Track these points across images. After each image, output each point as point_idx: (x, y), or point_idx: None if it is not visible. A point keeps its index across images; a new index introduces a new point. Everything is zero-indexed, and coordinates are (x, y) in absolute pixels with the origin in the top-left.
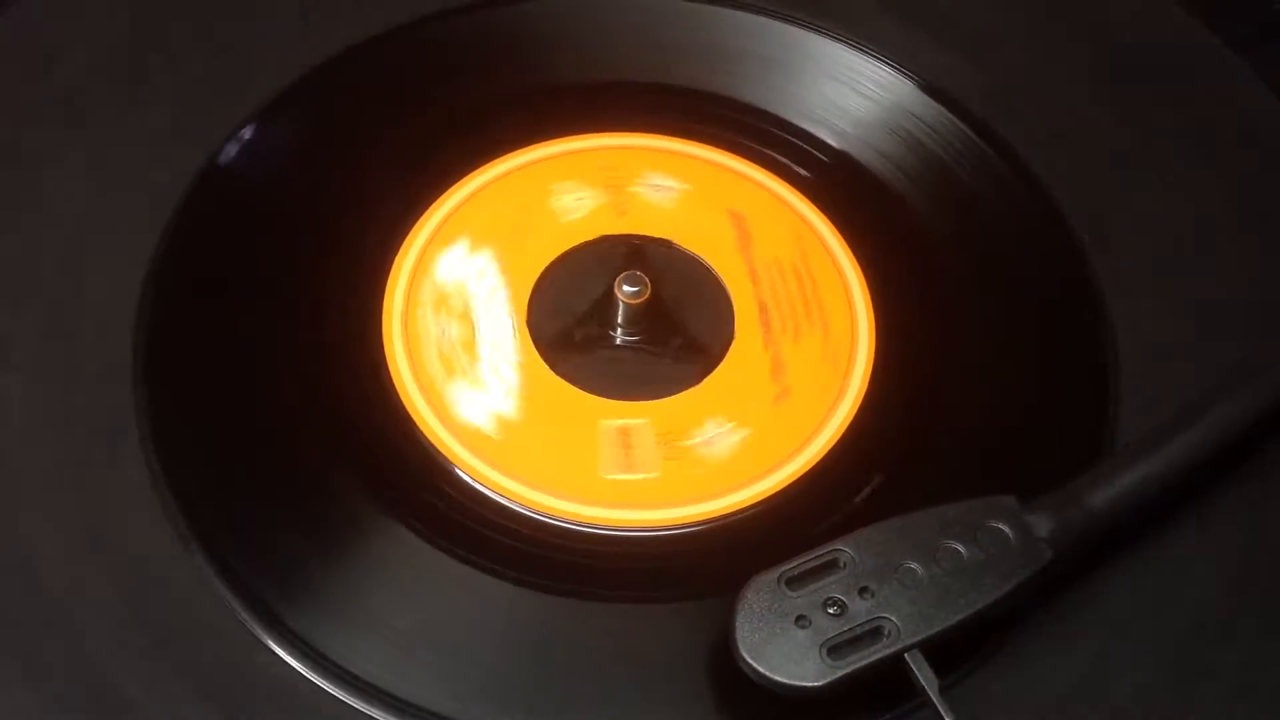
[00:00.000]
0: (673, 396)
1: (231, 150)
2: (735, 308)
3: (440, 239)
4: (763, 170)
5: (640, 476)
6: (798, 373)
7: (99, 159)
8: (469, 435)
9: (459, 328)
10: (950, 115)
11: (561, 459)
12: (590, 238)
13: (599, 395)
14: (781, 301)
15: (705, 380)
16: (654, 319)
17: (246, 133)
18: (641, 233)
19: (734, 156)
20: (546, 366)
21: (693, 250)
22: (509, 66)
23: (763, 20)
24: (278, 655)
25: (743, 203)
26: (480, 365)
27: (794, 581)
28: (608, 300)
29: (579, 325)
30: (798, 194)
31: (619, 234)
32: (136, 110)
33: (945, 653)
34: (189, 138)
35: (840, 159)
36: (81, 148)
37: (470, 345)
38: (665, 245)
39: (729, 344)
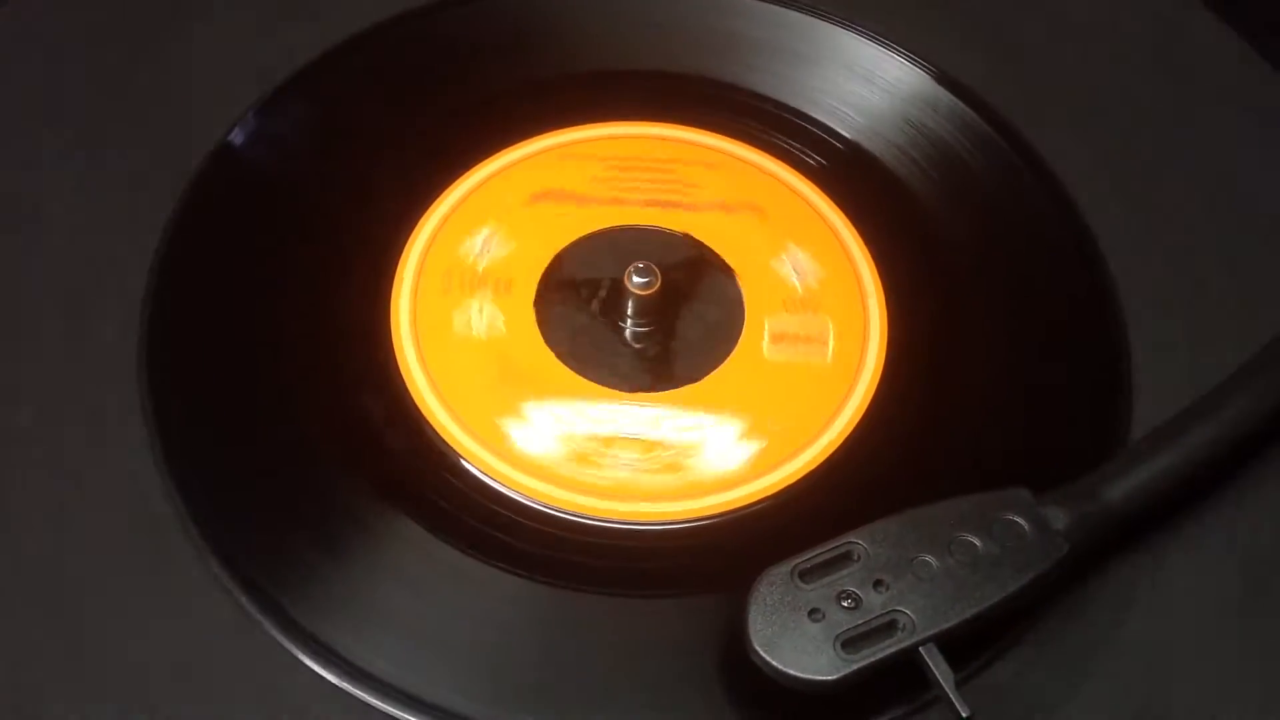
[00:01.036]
0: (620, 393)
1: (238, 139)
2: (745, 309)
3: (450, 227)
4: (775, 160)
5: (541, 444)
6: (792, 382)
7: (104, 148)
8: (478, 427)
9: (487, 245)
10: (963, 106)
11: (484, 396)
12: (608, 226)
13: (564, 363)
14: (792, 312)
15: (684, 387)
16: (655, 315)
17: (252, 121)
18: (660, 225)
19: (746, 146)
20: (534, 320)
21: (717, 249)
22: (518, 55)
23: (776, 9)
24: (285, 649)
25: (759, 195)
26: (479, 284)
27: (807, 574)
28: (615, 298)
29: (584, 301)
30: (810, 184)
31: (648, 225)
32: (143, 98)
33: (961, 646)
34: (196, 126)
35: (853, 149)
36: (86, 137)
37: (484, 262)
38: (690, 241)
39: (730, 348)
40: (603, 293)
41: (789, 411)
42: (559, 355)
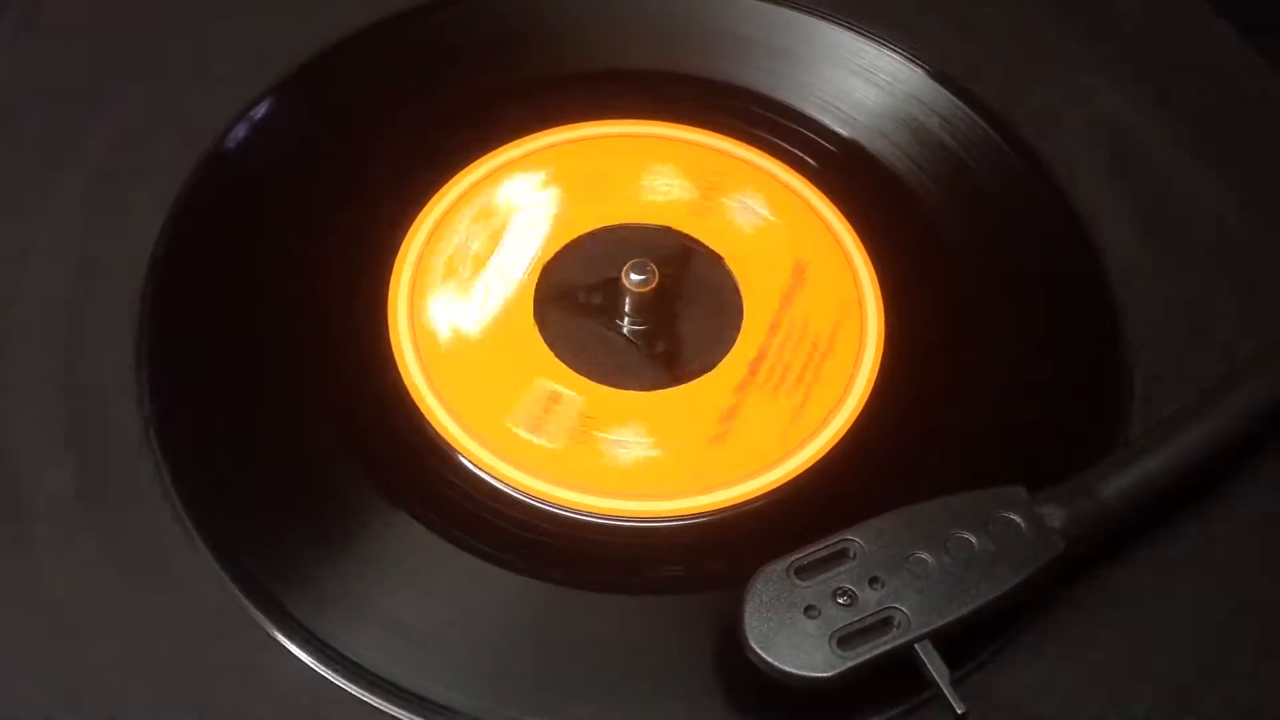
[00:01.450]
0: (620, 390)
1: (235, 138)
2: (736, 344)
3: (447, 223)
4: (772, 159)
5: (537, 440)
6: (746, 427)
7: (100, 149)
8: (476, 424)
9: (485, 244)
10: (960, 104)
11: (481, 391)
12: (654, 223)
13: (558, 357)
14: (778, 362)
15: (660, 391)
16: (652, 314)
17: (249, 120)
18: (703, 241)
19: (743, 145)
20: (531, 311)
21: (737, 278)
22: (516, 54)
23: (772, 8)
24: (282, 645)
25: (814, 255)
26: (478, 280)
27: (803, 571)
28: (612, 295)
29: (586, 291)
30: (807, 182)
31: (682, 231)
32: (139, 99)
33: (956, 644)
34: (193, 125)
35: (850, 148)
36: (83, 137)
37: (482, 261)
38: (717, 262)
39: (704, 372)
40: (600, 290)
41: (690, 457)
42: (556, 352)
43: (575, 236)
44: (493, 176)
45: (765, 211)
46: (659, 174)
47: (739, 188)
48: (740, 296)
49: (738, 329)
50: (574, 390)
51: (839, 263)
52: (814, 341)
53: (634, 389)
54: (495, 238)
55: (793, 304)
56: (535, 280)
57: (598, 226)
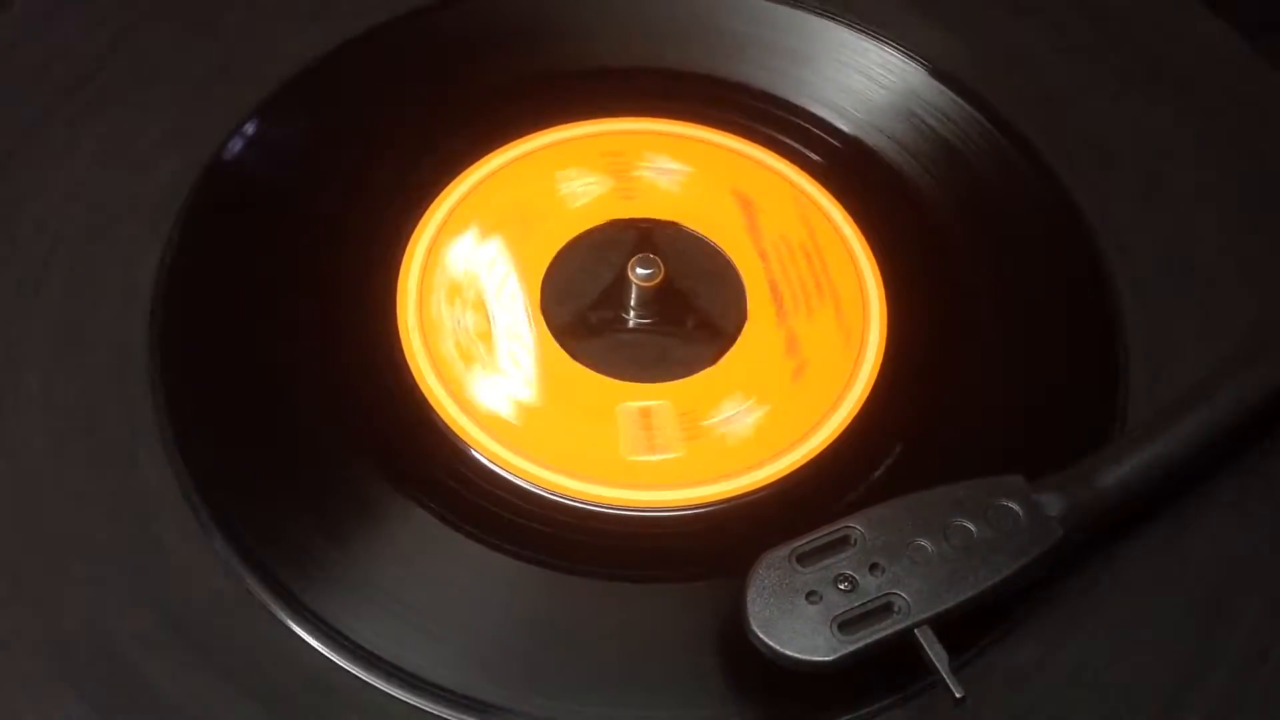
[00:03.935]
0: (690, 377)
1: (239, 141)
2: (747, 287)
3: (451, 226)
4: (775, 155)
5: (662, 457)
6: (813, 347)
7: (105, 155)
8: (484, 417)
9: (474, 317)
10: (961, 101)
11: (583, 443)
12: (599, 222)
13: (617, 378)
14: (792, 279)
15: (722, 359)
16: (667, 301)
17: (253, 125)
18: (650, 216)
19: (746, 141)
20: (563, 352)
21: (701, 232)
22: (516, 52)
23: (774, 6)
24: (296, 634)
25: (752, 186)
26: (498, 354)
27: (805, 558)
28: (620, 283)
29: (593, 309)
30: (809, 179)
31: (627, 218)
32: (142, 104)
33: (956, 630)
34: (197, 129)
35: (852, 144)
36: (88, 144)
37: (486, 335)
38: (673, 227)
39: (743, 323)
40: (606, 286)
41: (795, 395)
42: (563, 345)
43: (577, 234)
44: (496, 174)
45: (678, 165)
46: (571, 178)
47: (644, 155)
48: (717, 247)
49: (739, 275)
50: (656, 398)
51: (841, 258)
52: (803, 250)
53: (698, 370)
54: (480, 308)
55: (761, 229)
56: (543, 325)
57: (600, 222)
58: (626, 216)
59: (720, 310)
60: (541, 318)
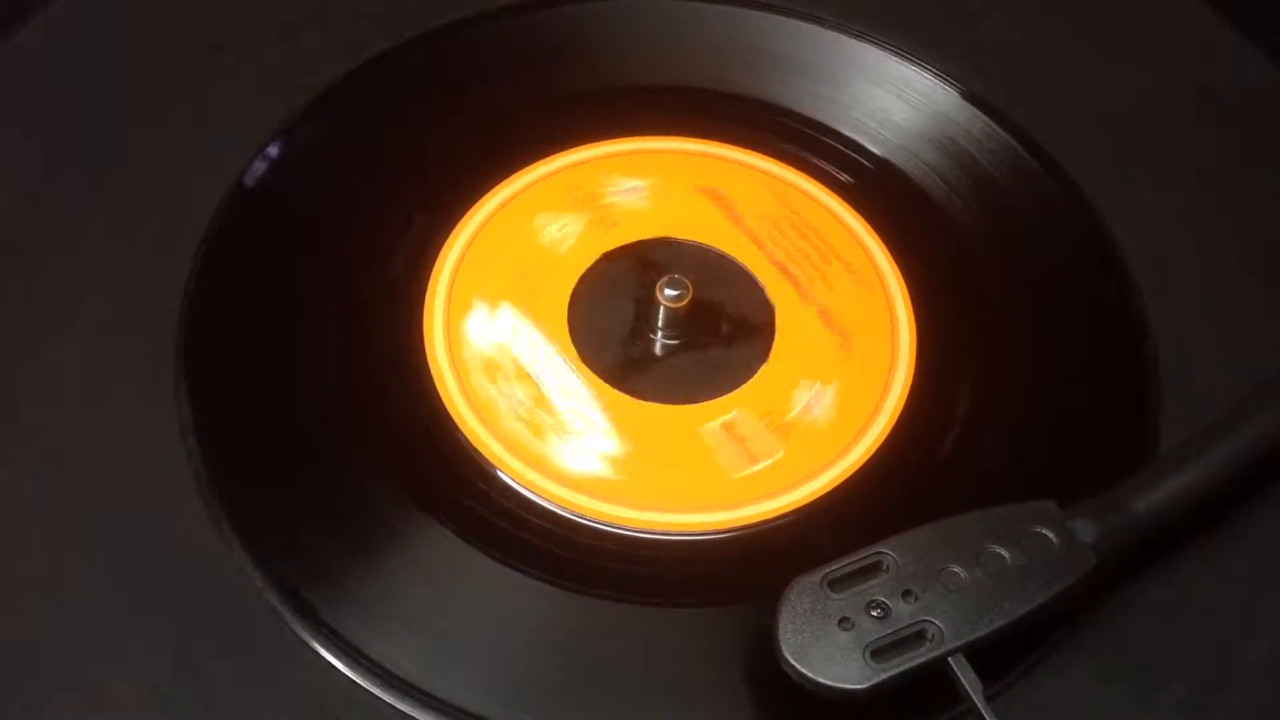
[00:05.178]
0: (752, 379)
1: (265, 160)
2: (758, 277)
3: (456, 306)
4: (805, 176)
5: (766, 464)
6: (847, 316)
7: (135, 169)
8: (507, 436)
9: (523, 389)
10: (992, 124)
11: (685, 477)
12: (593, 260)
13: (686, 403)
14: (795, 255)
15: (772, 353)
16: (695, 315)
17: (278, 144)
18: (637, 239)
19: (776, 162)
20: (623, 394)
21: (693, 239)
22: (544, 71)
23: (807, 26)
24: (316, 652)
25: (716, 179)
26: (564, 417)
27: (837, 584)
28: (647, 310)
29: (631, 343)
30: (840, 200)
31: (617, 247)
32: (171, 121)
33: (989, 658)
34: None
35: (883, 166)
36: (113, 166)
37: (543, 401)
38: (664, 244)
39: (772, 312)
40: (633, 305)
41: (853, 367)
42: (590, 364)
43: (603, 254)
44: (523, 194)
45: (639, 181)
46: (548, 223)
47: (604, 180)
48: (714, 248)
49: (745, 267)
50: (731, 409)
51: (871, 281)
52: (790, 224)
53: (758, 368)
54: (525, 377)
55: (741, 216)
56: (591, 374)
57: (629, 242)
58: (616, 246)
59: (746, 307)
60: (586, 367)
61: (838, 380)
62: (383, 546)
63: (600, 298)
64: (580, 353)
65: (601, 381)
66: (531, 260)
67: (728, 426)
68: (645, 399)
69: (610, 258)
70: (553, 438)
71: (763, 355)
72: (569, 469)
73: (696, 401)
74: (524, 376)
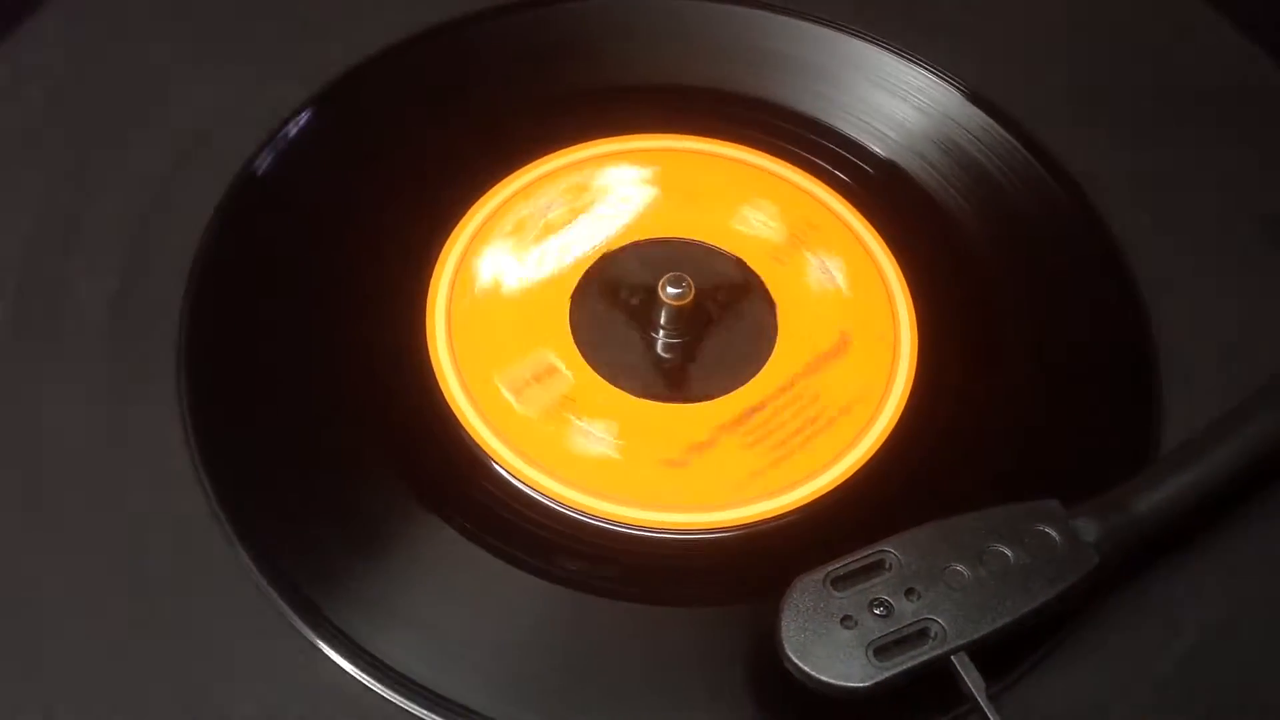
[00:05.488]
0: (754, 377)
1: (271, 153)
2: (760, 275)
3: (483, 236)
4: (809, 176)
5: (768, 461)
6: (848, 315)
7: (139, 165)
8: (511, 432)
9: (527, 387)
10: (996, 125)
11: (687, 476)
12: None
13: (687, 401)
14: (793, 255)
15: (774, 352)
16: (696, 315)
17: (284, 135)
18: (605, 250)
19: (778, 161)
20: (627, 393)
21: (665, 235)
22: (547, 69)
23: (811, 27)
24: (318, 649)
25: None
26: (567, 414)
27: (840, 582)
28: (649, 309)
29: (634, 342)
30: (843, 201)
31: (617, 246)
32: (173, 118)
33: (992, 657)
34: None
35: (886, 167)
36: (124, 152)
37: (546, 399)
38: (634, 247)
39: (775, 310)
40: (635, 303)
41: (822, 422)
42: (591, 364)
43: (605, 252)
44: (525, 190)
45: (640, 183)
46: (758, 207)
47: (824, 246)
48: (721, 249)
49: (752, 374)
50: (733, 407)
51: (873, 280)
52: (816, 415)
53: (761, 366)
54: (531, 249)
55: (817, 373)
56: (591, 372)
57: (631, 241)
58: (617, 245)
59: (748, 306)
60: (588, 365)
61: (841, 378)
62: (384, 544)
63: (602, 296)
64: (582, 351)
65: (603, 380)
66: (533, 259)
67: (730, 424)
68: (647, 397)
69: (612, 256)
70: (555, 435)
71: (765, 352)
72: (571, 467)
73: (699, 399)
74: (527, 375)
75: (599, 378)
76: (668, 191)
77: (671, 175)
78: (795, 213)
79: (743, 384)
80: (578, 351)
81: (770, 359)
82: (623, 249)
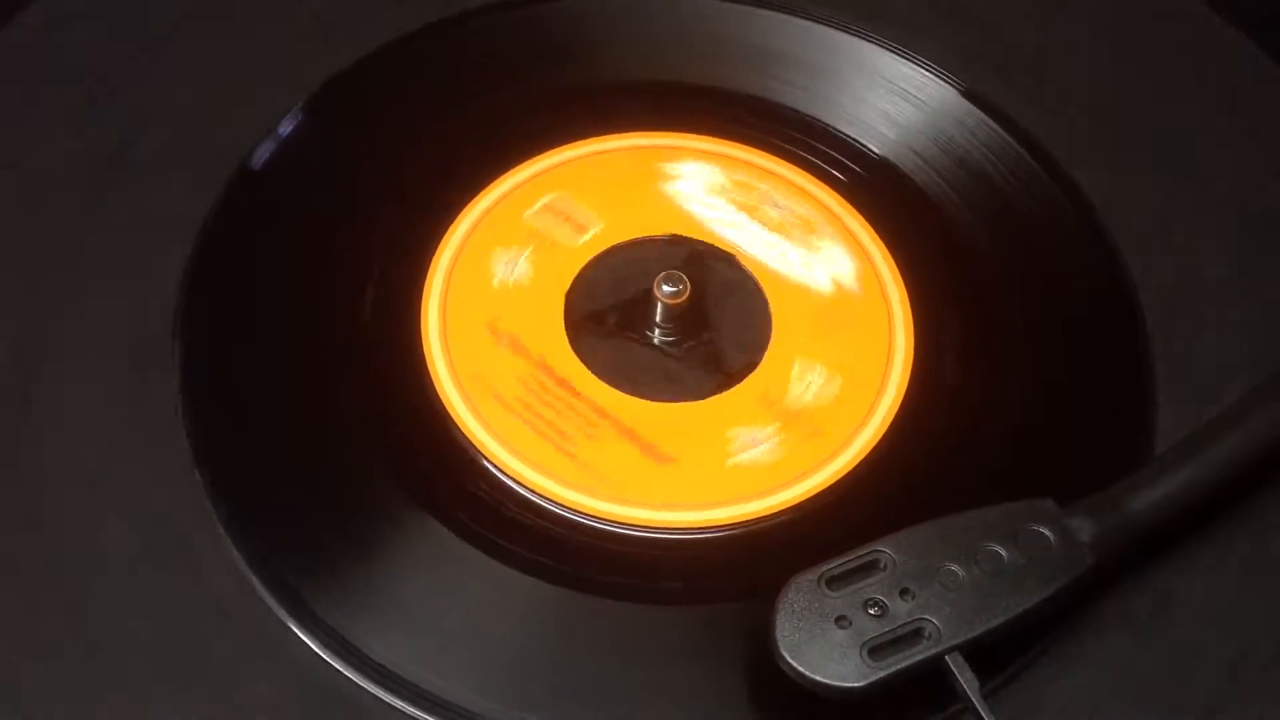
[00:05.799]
0: (749, 376)
1: (266, 150)
2: (754, 274)
3: (478, 235)
4: (804, 174)
5: (763, 460)
6: (843, 314)
7: (135, 160)
8: (503, 430)
9: (521, 386)
10: (991, 122)
11: (682, 474)
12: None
13: (683, 400)
14: (792, 255)
15: (769, 350)
16: (691, 313)
17: (280, 133)
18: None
19: (775, 159)
20: (621, 392)
21: (693, 236)
22: (545, 66)
23: (806, 24)
24: (312, 649)
25: (790, 207)
26: (562, 414)
27: (834, 582)
28: (644, 307)
29: (629, 341)
30: (839, 198)
31: (613, 244)
32: (171, 111)
33: (987, 657)
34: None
35: (882, 165)
36: (118, 148)
37: (541, 398)
38: (621, 249)
39: (769, 309)
40: (630, 302)
41: (816, 421)
42: (586, 362)
43: (601, 250)
44: (520, 188)
45: (835, 274)
46: (757, 207)
47: (820, 243)
48: (718, 247)
49: (747, 373)
50: (729, 405)
51: (868, 278)
52: (812, 414)
53: (756, 365)
54: (526, 248)
55: (813, 371)
56: (586, 371)
57: (625, 240)
58: (613, 243)
59: (744, 304)
60: (583, 365)
61: (835, 377)
62: (380, 544)
63: (597, 294)
64: (577, 351)
65: (597, 379)
66: (529, 257)
67: (726, 421)
68: (642, 396)
69: (608, 254)
70: (550, 435)
71: (760, 351)
72: (566, 466)
73: (694, 398)
74: (522, 374)
75: (593, 376)
76: (663, 191)
77: (668, 174)
78: (791, 210)
79: (738, 382)
80: (572, 350)
81: (764, 357)
82: (618, 247)
